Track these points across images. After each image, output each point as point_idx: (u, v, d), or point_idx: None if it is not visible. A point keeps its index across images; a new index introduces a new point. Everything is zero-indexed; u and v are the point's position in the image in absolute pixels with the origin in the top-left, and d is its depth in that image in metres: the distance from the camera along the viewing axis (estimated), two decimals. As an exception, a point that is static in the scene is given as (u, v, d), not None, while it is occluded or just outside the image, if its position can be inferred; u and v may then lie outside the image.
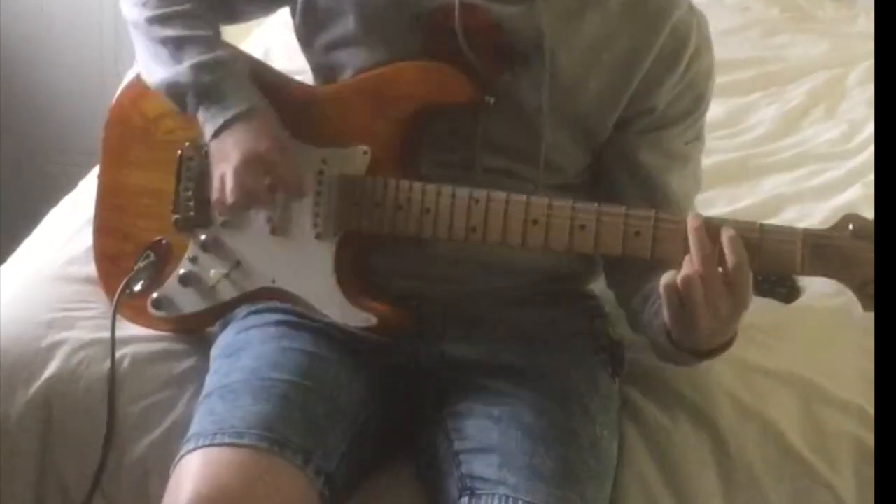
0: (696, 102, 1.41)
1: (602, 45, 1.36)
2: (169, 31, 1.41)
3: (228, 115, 1.36)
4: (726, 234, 1.21)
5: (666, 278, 1.23)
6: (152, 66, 1.42)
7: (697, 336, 1.26)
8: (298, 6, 1.42)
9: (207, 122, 1.37)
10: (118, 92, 1.56)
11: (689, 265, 1.21)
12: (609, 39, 1.36)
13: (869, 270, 1.20)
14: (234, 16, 1.50)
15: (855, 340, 1.57)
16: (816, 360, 1.54)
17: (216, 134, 1.36)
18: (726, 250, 1.21)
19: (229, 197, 1.36)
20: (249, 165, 1.34)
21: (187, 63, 1.38)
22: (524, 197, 1.30)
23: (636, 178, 1.41)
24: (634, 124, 1.39)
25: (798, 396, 1.49)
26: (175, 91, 1.39)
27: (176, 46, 1.40)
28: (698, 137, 1.45)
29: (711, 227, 1.23)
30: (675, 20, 1.36)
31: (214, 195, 1.38)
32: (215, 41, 1.42)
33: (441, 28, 1.36)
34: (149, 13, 1.43)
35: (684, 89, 1.39)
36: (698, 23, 1.39)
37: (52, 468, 1.46)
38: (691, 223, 1.23)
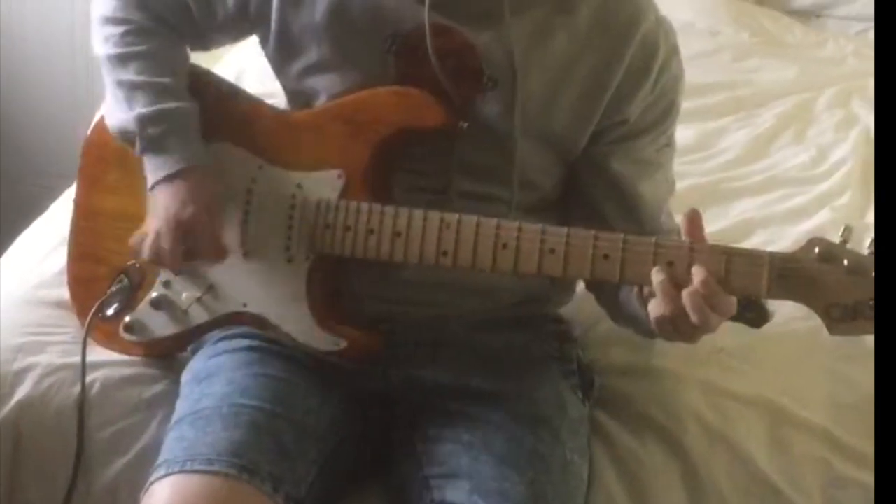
0: (668, 110, 1.42)
1: (572, 63, 1.37)
2: (124, 75, 1.41)
3: (163, 173, 1.37)
4: (686, 294, 1.21)
5: (655, 312, 1.24)
6: (112, 107, 1.43)
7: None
8: (272, 34, 1.42)
9: (149, 171, 1.39)
10: (96, 116, 1.56)
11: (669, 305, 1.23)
12: (579, 57, 1.37)
13: (834, 294, 1.20)
14: (204, 43, 1.50)
15: (823, 364, 1.58)
16: (784, 383, 1.55)
17: (154, 186, 1.38)
18: (689, 310, 1.21)
19: (144, 254, 1.38)
20: (169, 230, 1.36)
21: (136, 112, 1.38)
22: (494, 221, 1.31)
23: (609, 188, 1.42)
24: (607, 136, 1.40)
25: (766, 420, 1.49)
26: (125, 138, 1.41)
27: (129, 90, 1.40)
28: (669, 143, 1.46)
29: (680, 265, 1.23)
30: (643, 32, 1.37)
31: (131, 242, 1.41)
32: (168, 90, 1.41)
33: (413, 52, 1.36)
34: (110, 51, 1.43)
35: (655, 99, 1.40)
36: (665, 32, 1.40)
37: (21, 493, 1.45)
38: (655, 277, 1.24)
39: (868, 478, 1.44)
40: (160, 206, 1.37)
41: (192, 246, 1.37)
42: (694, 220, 1.25)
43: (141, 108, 1.38)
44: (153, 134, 1.37)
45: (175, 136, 1.38)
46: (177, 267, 1.40)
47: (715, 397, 1.51)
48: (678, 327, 1.24)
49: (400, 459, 1.38)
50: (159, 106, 1.38)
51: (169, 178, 1.37)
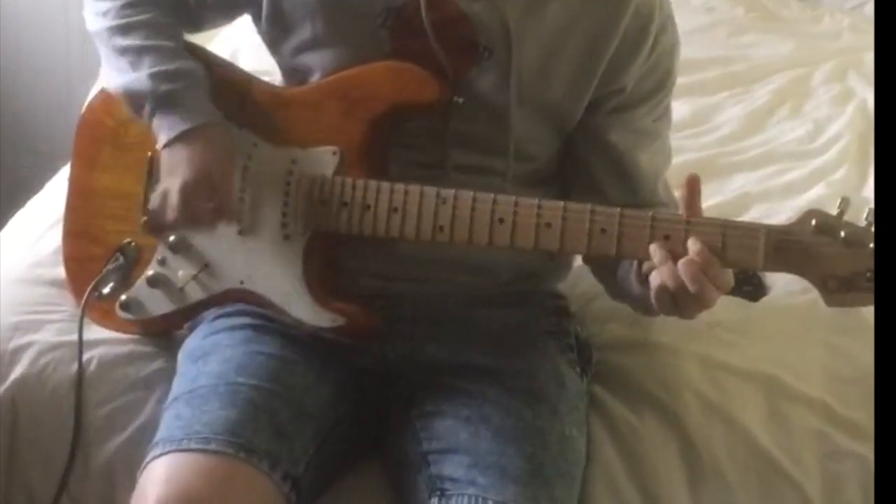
0: (663, 79, 1.42)
1: (567, 33, 1.36)
2: (129, 41, 1.40)
3: (184, 126, 1.35)
4: (681, 264, 1.22)
5: (655, 282, 1.24)
6: (113, 74, 1.42)
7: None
8: (264, 12, 1.41)
9: (162, 130, 1.37)
10: (90, 95, 1.55)
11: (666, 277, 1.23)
12: (573, 26, 1.36)
13: (830, 265, 1.20)
14: (197, 24, 1.49)
15: (820, 337, 1.58)
16: (782, 357, 1.55)
17: (168, 144, 1.36)
18: (684, 279, 1.21)
19: (171, 214, 1.36)
20: (198, 186, 1.34)
21: (146, 71, 1.37)
22: (491, 196, 1.30)
23: (606, 159, 1.42)
24: (604, 105, 1.40)
25: (764, 393, 1.50)
26: (133, 97, 1.39)
27: (135, 56, 1.39)
28: (665, 114, 1.46)
29: (677, 239, 1.23)
30: (637, 1, 1.36)
31: (153, 206, 1.38)
32: (177, 52, 1.41)
33: (407, 25, 1.36)
34: (110, 23, 1.42)
35: (651, 67, 1.40)
36: (660, 1, 1.40)
37: (19, 471, 1.46)
38: (654, 252, 1.24)
39: (865, 450, 1.45)
40: (181, 162, 1.35)
41: (217, 204, 1.35)
42: (692, 185, 1.25)
43: (151, 68, 1.37)
44: (167, 90, 1.36)
45: (190, 93, 1.37)
46: (208, 225, 1.37)
47: (712, 371, 1.51)
48: (677, 300, 1.24)
49: (398, 436, 1.38)
50: (171, 65, 1.38)
51: (189, 134, 1.35)
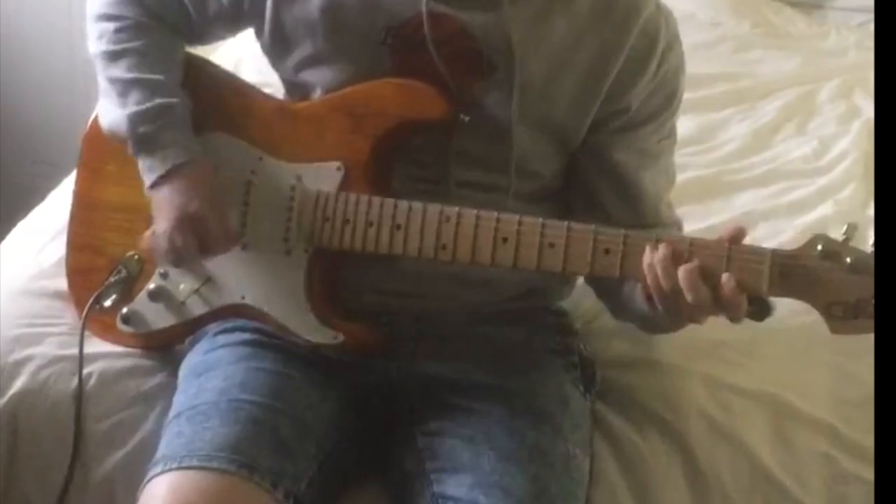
0: (669, 99, 1.42)
1: (571, 49, 1.36)
2: (117, 72, 1.41)
3: (163, 169, 1.36)
4: (682, 272, 1.21)
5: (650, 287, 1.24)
6: (105, 106, 1.42)
7: None
8: (266, 27, 1.41)
9: (145, 172, 1.38)
10: (96, 109, 1.54)
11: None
12: (578, 43, 1.36)
13: (836, 291, 1.20)
14: (201, 37, 1.49)
15: (826, 359, 1.58)
16: (787, 378, 1.55)
17: (152, 186, 1.37)
18: (683, 289, 1.21)
19: (159, 255, 1.38)
20: (180, 226, 1.35)
21: (128, 110, 1.37)
22: (494, 215, 1.30)
23: (610, 178, 1.41)
24: (608, 124, 1.39)
25: (769, 414, 1.49)
26: (117, 138, 1.40)
27: (122, 88, 1.39)
28: (670, 134, 1.45)
29: (676, 255, 1.23)
30: (643, 19, 1.36)
31: (144, 245, 1.39)
32: (160, 86, 1.40)
33: (410, 41, 1.35)
34: (103, 48, 1.42)
35: (656, 87, 1.39)
36: (666, 20, 1.39)
37: (17, 485, 1.45)
38: (648, 257, 1.23)
39: (871, 473, 1.44)
40: (164, 203, 1.36)
41: (203, 238, 1.36)
42: (738, 234, 1.24)
43: (133, 107, 1.37)
44: (145, 132, 1.37)
45: (167, 132, 1.37)
46: (195, 262, 1.39)
47: (717, 391, 1.50)
48: (672, 300, 1.22)
49: (400, 453, 1.37)
50: (153, 102, 1.38)
51: (167, 176, 1.35)
